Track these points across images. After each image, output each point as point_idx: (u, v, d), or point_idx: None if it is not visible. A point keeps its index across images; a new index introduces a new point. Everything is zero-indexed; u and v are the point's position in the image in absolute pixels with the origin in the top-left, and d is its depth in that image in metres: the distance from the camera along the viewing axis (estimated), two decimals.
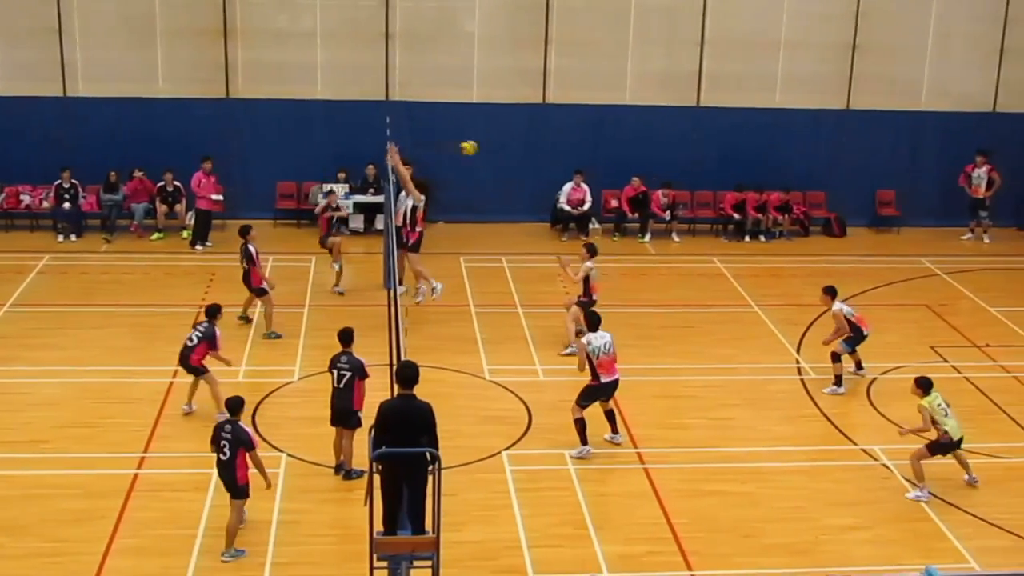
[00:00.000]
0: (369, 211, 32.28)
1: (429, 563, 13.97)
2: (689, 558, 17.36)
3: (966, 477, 19.55)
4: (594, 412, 20.28)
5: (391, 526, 14.18)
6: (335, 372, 18.87)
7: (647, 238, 32.70)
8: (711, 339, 25.74)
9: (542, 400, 22.09)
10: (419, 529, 14.17)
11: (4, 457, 19.59)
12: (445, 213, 32.63)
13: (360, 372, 18.80)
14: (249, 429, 17.43)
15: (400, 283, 24.05)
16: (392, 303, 19.48)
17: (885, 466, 20.06)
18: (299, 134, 32.59)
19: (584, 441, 20.11)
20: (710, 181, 33.51)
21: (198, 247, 30.51)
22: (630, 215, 32.82)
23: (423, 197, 25.51)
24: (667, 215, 32.84)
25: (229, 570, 16.69)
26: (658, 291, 28.84)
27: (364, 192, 32.10)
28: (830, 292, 23.29)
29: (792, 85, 33.89)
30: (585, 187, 32.36)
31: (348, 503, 18.29)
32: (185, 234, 31.17)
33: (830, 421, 21.91)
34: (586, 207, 32.50)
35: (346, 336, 19.13)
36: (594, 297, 24.29)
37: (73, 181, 30.87)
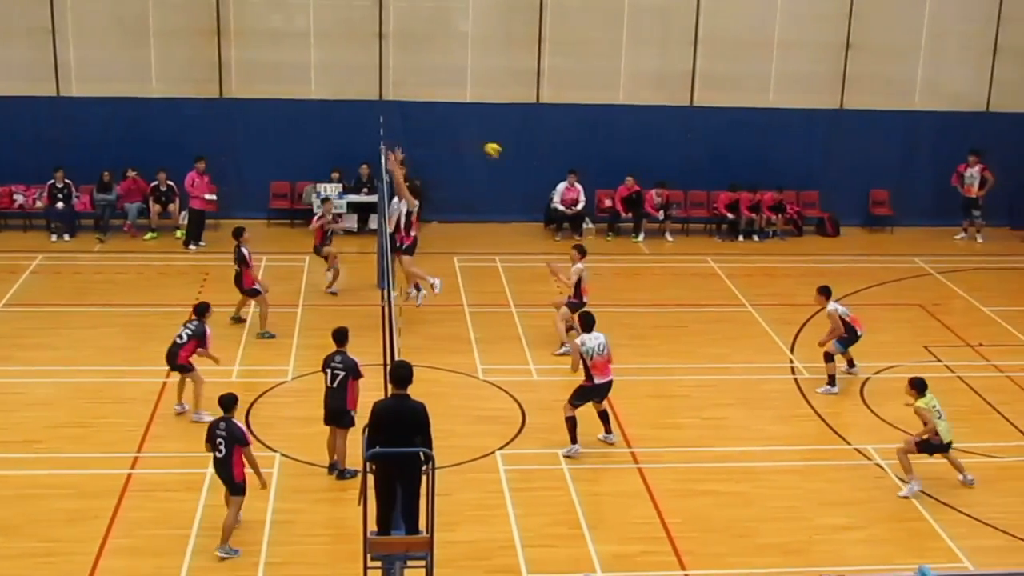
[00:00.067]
0: (362, 211, 32.27)
1: (423, 563, 13.98)
2: (683, 558, 17.37)
3: (961, 477, 19.56)
4: (588, 412, 20.29)
5: (385, 526, 14.18)
6: (329, 372, 18.87)
7: (641, 238, 32.71)
8: (705, 339, 25.75)
9: (536, 400, 22.09)
10: (413, 529, 14.16)
11: None
12: (439, 213, 32.72)
13: (354, 372, 18.81)
14: (243, 426, 17.46)
15: (395, 288, 24.03)
16: (386, 303, 19.47)
17: (879, 466, 20.07)
18: (293, 134, 32.57)
19: (574, 440, 20.11)
20: (704, 181, 33.54)
21: (192, 247, 30.50)
22: (624, 215, 32.82)
23: (416, 202, 25.51)
24: (661, 215, 32.86)
25: (223, 570, 16.67)
26: (652, 291, 28.85)
27: (358, 192, 32.09)
28: (824, 292, 23.30)
29: (786, 85, 33.91)
30: (579, 187, 32.37)
31: (342, 503, 18.29)
32: (179, 234, 31.16)
33: (824, 421, 21.93)
34: (580, 207, 32.50)
35: (340, 336, 19.14)
36: (584, 299, 24.31)
37: (66, 181, 30.84)
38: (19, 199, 31.54)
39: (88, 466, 19.30)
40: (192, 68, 32.28)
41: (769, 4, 33.58)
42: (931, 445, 19.26)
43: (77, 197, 31.15)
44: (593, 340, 19.99)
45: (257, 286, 24.94)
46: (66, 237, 30.81)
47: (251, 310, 25.36)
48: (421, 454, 13.89)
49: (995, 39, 34.11)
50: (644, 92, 33.50)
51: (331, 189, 31.76)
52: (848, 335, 23.03)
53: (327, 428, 19.14)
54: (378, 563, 14.05)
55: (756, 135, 33.48)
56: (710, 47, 33.47)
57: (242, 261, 24.74)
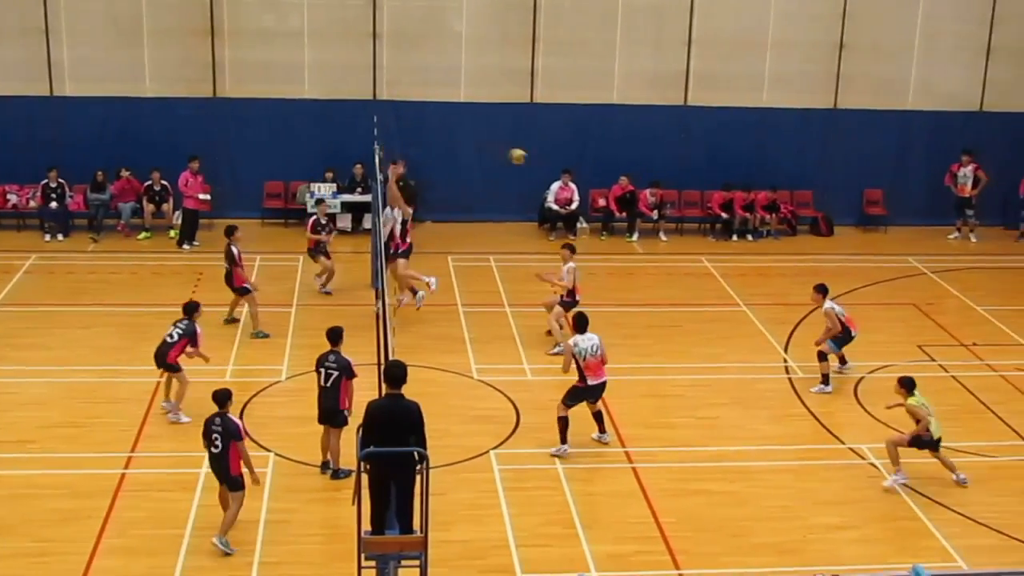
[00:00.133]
0: (357, 210, 32.26)
1: (417, 562, 13.97)
2: (677, 557, 17.38)
3: (954, 477, 19.58)
4: (583, 412, 20.28)
5: (379, 525, 14.18)
6: (322, 371, 18.88)
7: (635, 237, 32.72)
8: (699, 338, 25.76)
9: (530, 399, 22.09)
10: (407, 528, 14.16)
11: None
12: (433, 212, 32.67)
13: (347, 371, 18.81)
14: (239, 421, 17.45)
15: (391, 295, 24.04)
16: (380, 302, 19.46)
17: (872, 465, 20.08)
18: (286, 134, 32.55)
19: (563, 440, 20.10)
20: (698, 180, 33.53)
21: (185, 246, 30.47)
22: (618, 214, 32.84)
23: (411, 210, 25.51)
24: (655, 214, 32.86)
25: (217, 569, 16.67)
26: (646, 290, 28.86)
27: (352, 191, 32.07)
28: (821, 290, 23.30)
29: (779, 84, 33.93)
30: (573, 186, 32.37)
31: (336, 503, 18.28)
32: (172, 233, 31.13)
33: (817, 420, 21.94)
34: (574, 206, 32.51)
35: (334, 335, 19.13)
36: (577, 297, 24.34)
37: (60, 180, 30.80)
38: (13, 199, 31.49)
39: (82, 466, 19.28)
40: (186, 68, 32.25)
41: (763, 4, 33.59)
42: (922, 441, 19.32)
43: (71, 197, 31.11)
44: (586, 341, 19.97)
45: (247, 284, 24.94)
46: (60, 237, 30.78)
47: (244, 310, 25.34)
48: (415, 454, 13.89)
49: (988, 39, 34.13)
50: (638, 92, 33.50)
51: (325, 189, 31.74)
52: (842, 335, 23.05)
53: (321, 428, 19.14)
54: (372, 563, 14.04)
55: (750, 135, 33.50)
56: (704, 47, 33.47)
57: (231, 259, 24.74)
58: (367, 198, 30.88)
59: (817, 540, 17.99)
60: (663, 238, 32.91)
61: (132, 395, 21.70)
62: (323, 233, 27.24)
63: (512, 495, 18.89)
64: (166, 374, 21.11)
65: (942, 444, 19.52)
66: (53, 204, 30.76)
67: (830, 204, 34.15)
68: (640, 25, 33.40)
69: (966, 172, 33.32)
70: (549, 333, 24.84)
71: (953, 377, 23.95)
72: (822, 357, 23.06)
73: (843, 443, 21.02)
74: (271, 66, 32.58)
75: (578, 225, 32.82)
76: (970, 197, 33.43)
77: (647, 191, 32.75)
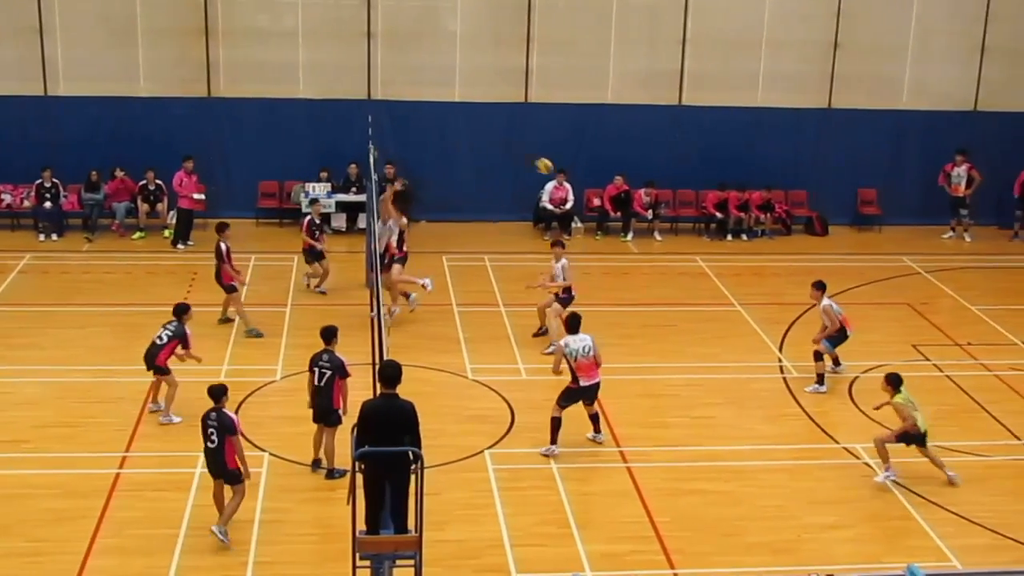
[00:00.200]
0: (351, 210, 32.24)
1: (412, 562, 13.96)
2: (672, 556, 17.37)
3: (946, 475, 19.58)
4: (578, 412, 20.26)
5: (374, 525, 14.17)
6: (316, 370, 18.88)
7: (629, 237, 32.73)
8: (693, 338, 25.77)
9: (525, 399, 22.08)
10: (402, 528, 14.15)
11: None
12: (428, 212, 32.68)
13: (341, 371, 18.82)
14: (234, 416, 17.47)
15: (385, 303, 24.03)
16: (374, 301, 19.45)
17: (867, 464, 20.07)
18: (281, 133, 32.54)
19: (553, 440, 20.07)
20: (692, 180, 33.55)
21: (180, 246, 30.46)
22: (612, 214, 32.85)
23: (406, 220, 25.51)
24: (649, 214, 32.88)
25: (211, 569, 16.65)
26: (640, 290, 28.87)
27: (346, 191, 32.06)
28: (820, 287, 23.25)
29: (774, 84, 33.96)
30: (567, 186, 32.37)
31: (331, 502, 18.27)
32: (167, 233, 31.12)
33: (812, 420, 21.95)
34: (568, 206, 32.51)
35: (328, 334, 19.14)
36: (573, 292, 24.40)
37: (54, 180, 30.79)
38: (7, 198, 31.47)
39: (76, 466, 19.26)
40: (180, 67, 32.25)
41: (757, 4, 33.63)
42: (909, 436, 19.34)
43: (65, 196, 31.10)
44: (578, 342, 19.94)
45: (234, 282, 24.95)
46: (54, 237, 30.76)
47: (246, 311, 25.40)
48: (410, 453, 13.88)
49: (982, 38, 34.18)
50: (632, 91, 33.52)
51: (319, 188, 31.73)
52: (838, 334, 23.06)
53: (316, 427, 19.16)
54: (367, 562, 14.03)
55: (744, 134, 33.52)
56: (698, 46, 33.50)
57: (220, 256, 24.76)
58: (362, 198, 30.87)
59: (811, 539, 17.99)
60: (658, 238, 32.93)
61: (126, 395, 21.68)
62: (317, 234, 27.20)
63: (507, 495, 18.88)
64: (155, 376, 21.07)
65: (928, 439, 19.51)
66: (47, 204, 30.74)
67: (824, 204, 34.18)
68: (634, 24, 33.44)
69: (960, 172, 33.36)
70: (541, 332, 24.86)
71: (947, 377, 23.96)
72: (818, 357, 23.07)
73: (837, 443, 21.03)
74: (265, 66, 32.58)
75: (573, 225, 32.82)
76: (964, 197, 33.48)
77: (642, 191, 32.77)
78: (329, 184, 32.05)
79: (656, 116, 33.42)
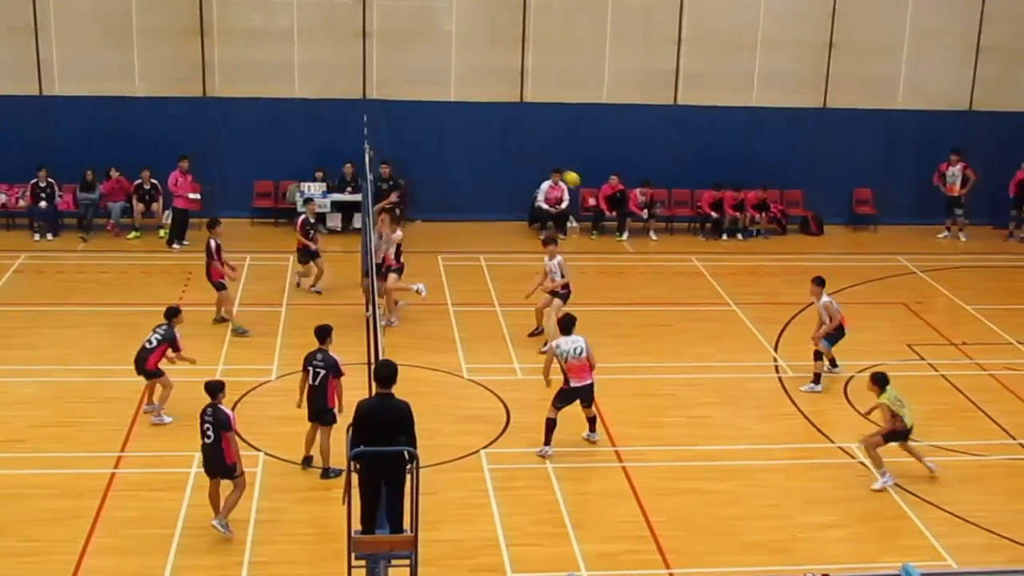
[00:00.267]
0: (346, 210, 32.23)
1: (407, 562, 13.96)
2: (667, 556, 17.37)
3: (928, 466, 19.61)
4: (575, 411, 20.22)
5: (369, 525, 14.17)
6: (311, 369, 18.90)
7: (625, 236, 32.73)
8: (689, 337, 25.77)
9: (520, 399, 22.07)
10: (397, 528, 14.14)
11: None
12: (423, 212, 32.70)
13: (334, 370, 18.83)
14: (230, 412, 17.51)
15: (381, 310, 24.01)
16: (370, 301, 19.46)
17: (862, 464, 20.06)
18: (276, 133, 32.53)
19: (547, 441, 20.06)
20: (688, 179, 33.55)
21: (175, 246, 30.44)
22: (608, 214, 32.84)
23: (401, 234, 25.50)
24: (645, 213, 32.88)
25: (207, 569, 16.64)
26: (636, 290, 28.88)
27: (341, 191, 32.04)
28: (819, 283, 23.16)
29: (769, 84, 33.98)
30: (563, 186, 32.35)
31: (326, 502, 18.27)
32: (162, 233, 31.10)
33: (807, 419, 21.95)
34: (564, 206, 32.51)
35: (322, 333, 19.14)
36: (570, 288, 24.48)
37: (49, 180, 30.77)
38: (2, 198, 31.42)
39: (71, 465, 19.25)
40: (175, 67, 32.23)
41: (752, 3, 33.64)
42: (896, 433, 19.36)
43: (60, 196, 31.08)
44: (569, 343, 19.90)
45: (224, 280, 24.94)
46: (49, 236, 30.74)
47: (234, 309, 25.35)
48: (405, 453, 13.89)
49: (977, 38, 34.20)
50: (628, 91, 33.53)
51: (315, 188, 31.72)
52: (836, 332, 23.02)
53: (310, 425, 19.19)
54: (362, 562, 14.02)
55: (740, 134, 33.54)
56: (694, 46, 33.51)
57: (208, 253, 24.77)
58: (357, 197, 30.87)
59: (807, 539, 18.00)
60: (653, 237, 32.94)
61: (122, 394, 21.65)
62: (312, 234, 27.19)
63: (502, 494, 18.88)
64: (147, 380, 21.05)
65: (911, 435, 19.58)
66: (42, 203, 30.72)
67: (820, 203, 34.20)
68: (630, 24, 33.45)
69: (955, 171, 33.38)
70: (537, 332, 24.88)
71: (943, 376, 23.98)
72: (818, 356, 23.06)
73: (833, 442, 21.03)
74: (261, 65, 32.57)
75: (568, 224, 32.82)
76: (959, 196, 33.49)
77: (637, 190, 32.77)
78: (324, 184, 32.03)
79: (651, 116, 33.42)
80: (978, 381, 23.82)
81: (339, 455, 17.84)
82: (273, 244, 30.60)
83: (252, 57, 32.49)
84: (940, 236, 33.89)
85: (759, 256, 31.76)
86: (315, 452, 19.25)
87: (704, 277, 29.68)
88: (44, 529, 17.42)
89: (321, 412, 18.88)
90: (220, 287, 24.96)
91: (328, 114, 32.22)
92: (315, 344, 19.09)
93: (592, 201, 33.03)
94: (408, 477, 13.87)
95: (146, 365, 20.70)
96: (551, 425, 20.01)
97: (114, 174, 31.29)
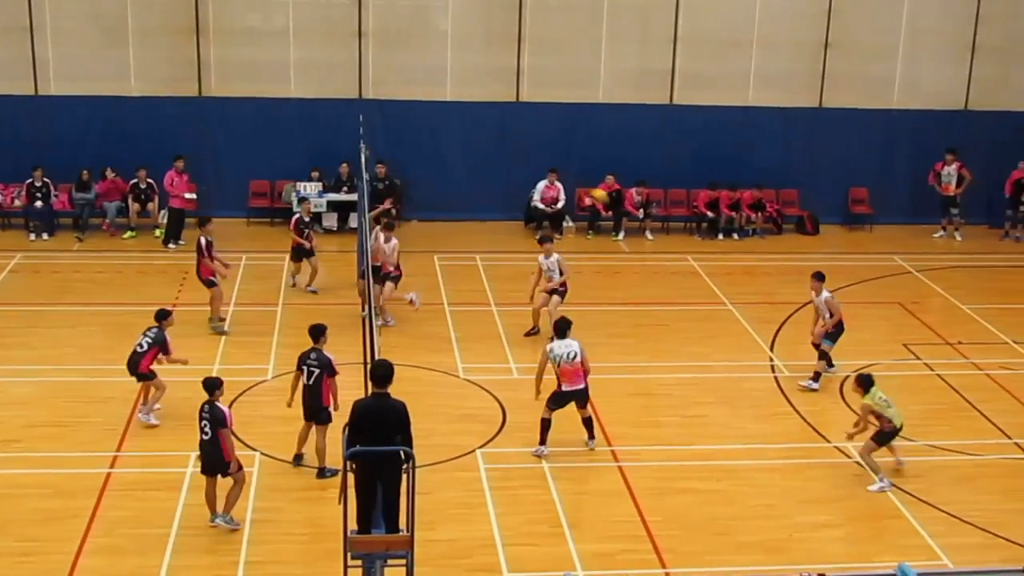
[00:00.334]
0: (342, 209, 32.22)
1: (403, 561, 13.95)
2: (663, 556, 17.38)
3: (899, 459, 19.66)
4: (572, 413, 20.19)
5: (365, 525, 14.16)
6: (305, 369, 18.90)
7: (621, 236, 32.73)
8: (685, 337, 25.78)
9: (516, 398, 22.03)
10: (393, 527, 14.15)
11: None
12: (419, 212, 32.69)
13: (328, 369, 18.82)
14: (226, 409, 17.54)
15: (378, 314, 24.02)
16: (366, 301, 19.45)
17: (858, 463, 20.07)
18: (272, 133, 32.51)
19: (543, 441, 20.04)
20: (684, 179, 33.55)
21: (171, 245, 30.41)
22: (604, 213, 32.83)
23: (396, 241, 25.48)
24: (641, 213, 32.87)
25: (203, 569, 16.64)
26: (632, 289, 28.88)
27: (337, 191, 32.02)
28: (820, 278, 23.10)
29: (765, 83, 33.97)
30: (559, 185, 32.37)
31: (322, 502, 18.25)
32: (158, 233, 31.07)
33: (803, 419, 21.95)
34: (560, 205, 32.51)
35: (316, 332, 19.14)
36: (567, 284, 24.50)
37: (45, 180, 30.75)
38: None
39: (67, 465, 19.24)
40: (171, 67, 32.20)
41: (748, 3, 33.64)
42: (886, 434, 19.37)
43: (56, 196, 31.05)
44: (563, 347, 19.84)
45: (214, 277, 24.94)
46: (45, 236, 30.72)
47: (230, 309, 25.33)
48: (401, 453, 13.88)
49: (973, 38, 34.22)
50: (624, 90, 33.54)
51: (311, 188, 31.69)
52: (837, 328, 22.97)
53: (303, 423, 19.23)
54: (358, 562, 14.02)
55: (736, 133, 33.55)
56: (690, 46, 33.51)
57: (199, 251, 24.78)
58: (353, 197, 30.86)
59: (803, 538, 18.01)
60: (649, 237, 32.94)
61: (117, 394, 21.62)
62: (306, 232, 27.18)
63: (498, 494, 18.88)
64: (141, 383, 21.02)
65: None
66: (38, 203, 30.69)
67: (815, 203, 34.20)
68: (626, 24, 33.43)
69: (950, 171, 33.39)
70: (533, 332, 24.89)
71: (938, 375, 24.00)
72: (823, 355, 23.03)
73: (829, 442, 21.03)
74: (256, 65, 32.56)
75: (564, 224, 32.82)
76: (955, 196, 33.49)
77: (633, 190, 32.76)
78: (320, 183, 32.01)
79: (647, 115, 33.43)
80: (974, 380, 23.83)
81: (335, 455, 17.83)
82: (269, 244, 30.57)
83: (248, 57, 32.47)
84: (936, 236, 33.89)
85: (755, 256, 31.77)
86: (306, 450, 19.29)
87: (700, 277, 29.69)
88: (40, 529, 17.41)
89: (317, 411, 18.88)
90: (210, 284, 24.94)
91: (324, 114, 32.21)
92: (310, 343, 19.09)
93: (588, 201, 33.01)
94: (404, 477, 13.87)
95: (139, 368, 20.66)
96: (546, 425, 20.00)
97: (110, 174, 31.27)
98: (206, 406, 17.39)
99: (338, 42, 32.57)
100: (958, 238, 33.61)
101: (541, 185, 32.35)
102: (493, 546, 17.45)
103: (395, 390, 14.37)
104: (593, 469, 19.93)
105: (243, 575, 16.58)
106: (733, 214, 33.05)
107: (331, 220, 32.15)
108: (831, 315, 22.91)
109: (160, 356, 20.76)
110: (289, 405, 19.23)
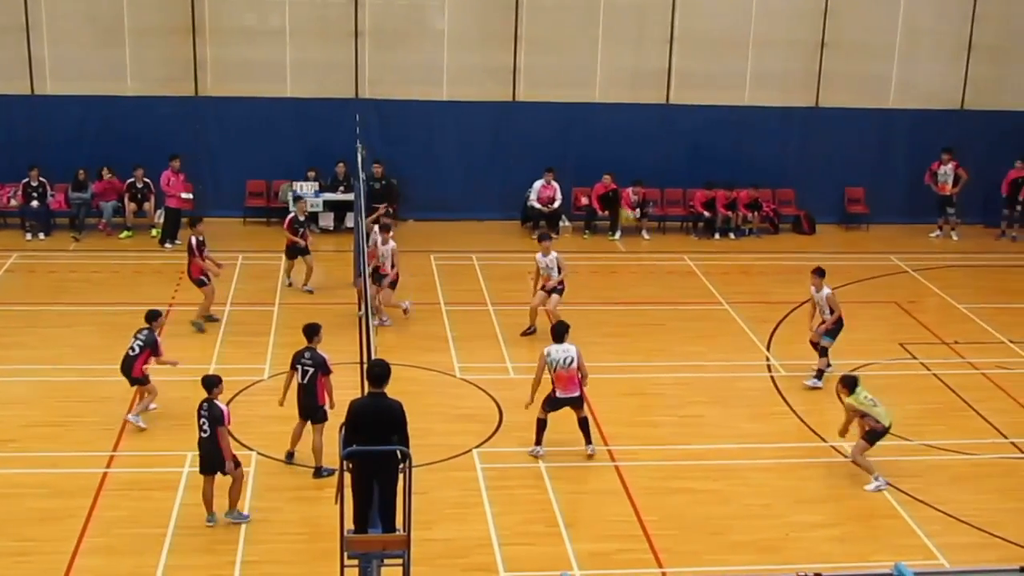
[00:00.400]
0: (339, 209, 32.21)
1: (400, 561, 13.94)
2: (659, 555, 17.38)
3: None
4: (569, 414, 20.17)
5: (362, 524, 14.16)
6: (299, 368, 18.90)
7: (617, 236, 32.73)
8: (681, 336, 25.78)
9: (513, 398, 22.00)
10: (390, 527, 14.13)
11: None
12: (415, 211, 32.69)
13: (323, 367, 18.82)
14: (224, 408, 17.55)
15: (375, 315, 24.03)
16: (362, 300, 19.44)
17: (854, 463, 20.07)
18: (268, 132, 32.51)
19: (538, 441, 20.02)
20: (680, 179, 33.57)
21: (167, 245, 30.39)
22: (600, 213, 32.84)
23: (394, 244, 25.49)
24: (637, 212, 32.87)
25: (200, 568, 16.63)
26: (628, 289, 28.88)
27: (334, 190, 32.02)
28: (820, 274, 23.09)
29: (761, 83, 33.98)
30: (555, 185, 32.38)
31: (318, 501, 18.25)
32: (154, 232, 31.07)
33: (799, 418, 21.96)
34: (556, 205, 32.51)
35: (310, 331, 19.13)
36: (564, 283, 24.54)
37: (41, 179, 30.74)
38: None
39: (63, 465, 19.23)
40: (167, 66, 32.19)
41: (745, 2, 33.65)
42: (875, 433, 19.35)
43: (52, 196, 31.05)
44: (560, 352, 19.76)
45: (203, 277, 24.93)
46: (41, 236, 30.71)
47: (226, 308, 25.32)
48: (398, 452, 13.88)
49: (969, 37, 34.24)
50: (620, 90, 33.54)
51: (307, 187, 31.69)
52: (836, 325, 22.95)
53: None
54: (355, 561, 14.02)
55: (732, 133, 33.56)
56: (686, 45, 33.52)
57: (189, 250, 24.80)
58: (349, 197, 30.86)
59: (799, 538, 18.01)
60: (646, 236, 32.94)
61: (114, 394, 21.58)
62: (301, 231, 27.16)
63: (495, 494, 18.87)
64: (135, 387, 21.01)
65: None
66: (34, 203, 30.68)
67: (812, 202, 34.21)
68: (622, 23, 33.43)
69: (946, 170, 33.41)
70: (529, 332, 24.89)
71: (935, 375, 24.00)
72: (823, 352, 23.02)
73: (825, 441, 21.03)
74: (253, 65, 32.55)
75: (561, 224, 32.82)
76: (951, 195, 33.51)
77: (629, 189, 32.77)
78: (317, 183, 32.01)
79: (644, 115, 33.44)
80: (970, 380, 23.84)
81: (332, 454, 17.81)
82: (265, 244, 30.55)
83: (244, 56, 32.47)
84: (932, 235, 33.91)
85: (751, 255, 31.78)
86: (299, 448, 19.32)
87: (696, 276, 29.70)
88: (36, 529, 17.40)
89: (312, 410, 18.88)
90: (201, 283, 24.94)
91: (320, 113, 32.20)
92: (306, 343, 19.09)
93: (585, 200, 33.02)
94: (401, 476, 13.86)
95: (133, 372, 20.64)
96: (542, 425, 19.99)
97: (106, 174, 31.27)
98: (205, 404, 17.41)
99: (334, 42, 32.56)
100: (954, 237, 33.62)
101: (537, 185, 32.36)
102: (489, 546, 17.45)
103: (392, 390, 14.36)
104: (589, 469, 19.92)
105: (240, 575, 16.57)
106: (729, 213, 33.06)
107: (327, 220, 32.15)
108: (831, 312, 22.90)
109: (150, 357, 20.74)
110: (281, 404, 19.24)
